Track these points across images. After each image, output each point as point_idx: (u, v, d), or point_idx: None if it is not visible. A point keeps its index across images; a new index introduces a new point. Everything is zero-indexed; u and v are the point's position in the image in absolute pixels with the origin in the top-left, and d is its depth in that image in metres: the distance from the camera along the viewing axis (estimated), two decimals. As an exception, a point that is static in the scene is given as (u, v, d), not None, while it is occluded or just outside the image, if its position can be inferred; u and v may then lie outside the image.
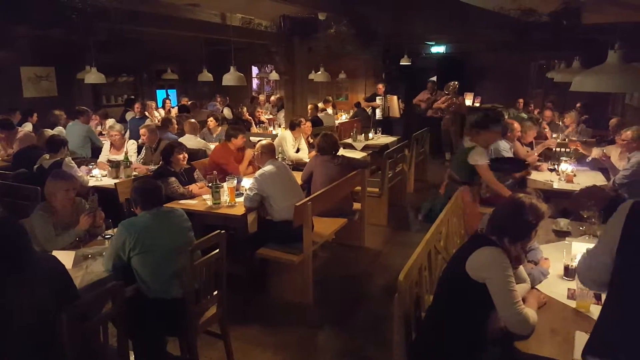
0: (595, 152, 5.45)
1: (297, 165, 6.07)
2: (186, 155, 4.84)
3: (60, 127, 7.34)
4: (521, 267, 2.44)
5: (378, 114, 10.34)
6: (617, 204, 4.35)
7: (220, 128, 7.74)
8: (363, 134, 8.28)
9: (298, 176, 4.98)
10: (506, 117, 7.70)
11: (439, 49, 11.32)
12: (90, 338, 2.28)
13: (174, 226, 3.07)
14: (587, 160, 5.60)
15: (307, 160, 5.79)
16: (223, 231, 3.08)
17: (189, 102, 10.68)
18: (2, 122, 6.68)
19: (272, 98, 12.74)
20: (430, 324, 2.46)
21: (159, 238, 2.92)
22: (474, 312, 2.24)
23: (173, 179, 4.57)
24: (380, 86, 10.49)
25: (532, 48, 9.45)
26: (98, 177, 5.40)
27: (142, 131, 6.02)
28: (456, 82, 9.82)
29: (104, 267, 2.95)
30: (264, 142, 4.60)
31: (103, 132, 8.03)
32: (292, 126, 6.69)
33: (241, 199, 4.34)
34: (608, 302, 1.77)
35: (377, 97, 10.41)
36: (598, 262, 1.79)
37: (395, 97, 10.38)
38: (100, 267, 2.96)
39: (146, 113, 8.77)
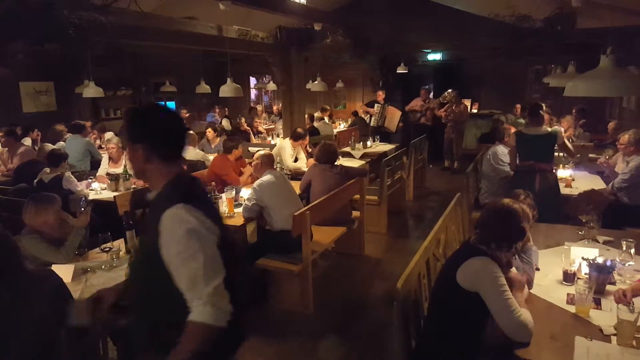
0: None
1: (296, 175, 6.08)
2: (185, 168, 4.84)
3: (62, 142, 7.37)
4: (514, 270, 2.44)
5: (372, 121, 10.34)
6: (616, 208, 4.38)
7: (218, 139, 7.77)
8: (361, 142, 8.29)
9: (296, 185, 4.99)
10: (504, 122, 7.74)
11: (435, 57, 11.37)
12: (90, 352, 2.28)
13: None
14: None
15: (306, 169, 5.81)
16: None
17: (187, 115, 10.72)
18: (8, 130, 6.83)
19: (275, 108, 12.79)
20: (428, 333, 2.45)
21: None
22: (470, 320, 2.23)
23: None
24: (380, 93, 10.49)
25: (528, 53, 9.50)
26: (97, 190, 5.41)
27: None
28: (451, 91, 9.80)
29: None
30: (262, 152, 4.61)
31: (102, 146, 8.05)
32: (296, 137, 6.63)
33: (240, 210, 4.35)
34: None
35: (376, 104, 10.41)
36: None
37: (398, 113, 10.28)
38: (100, 280, 2.96)
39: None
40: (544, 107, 4.78)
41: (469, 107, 11.38)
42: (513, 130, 5.65)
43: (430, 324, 2.46)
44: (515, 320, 2.07)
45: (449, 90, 9.83)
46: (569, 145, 4.86)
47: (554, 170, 4.83)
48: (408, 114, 10.63)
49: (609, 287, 2.57)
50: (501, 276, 2.15)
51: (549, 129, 4.68)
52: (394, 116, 10.26)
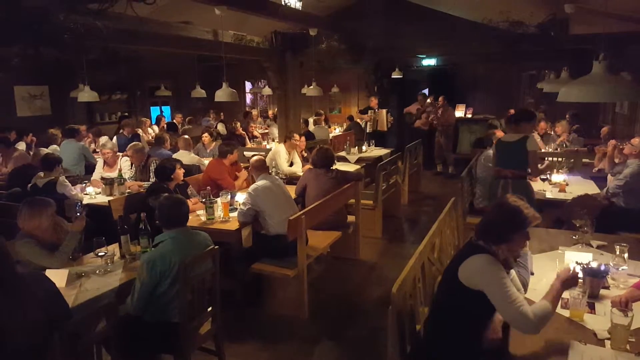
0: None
1: (291, 179, 6.09)
2: (183, 170, 4.85)
3: (55, 146, 7.34)
4: (513, 273, 2.45)
5: (368, 128, 10.43)
6: (610, 213, 4.41)
7: (214, 143, 7.78)
8: (357, 147, 8.31)
9: (292, 190, 4.99)
10: (497, 127, 7.78)
11: (429, 62, 11.43)
12: (83, 357, 2.27)
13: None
14: (594, 171, 5.70)
15: (301, 173, 5.81)
16: (217, 246, 3.08)
17: (187, 118, 10.72)
18: (1, 137, 6.74)
19: (270, 112, 12.81)
20: (426, 336, 2.46)
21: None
22: (470, 322, 2.24)
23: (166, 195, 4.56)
24: (373, 99, 10.57)
25: (521, 59, 9.57)
26: (92, 194, 5.39)
27: (128, 152, 5.97)
28: (428, 99, 10.03)
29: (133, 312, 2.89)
30: (254, 157, 4.62)
31: (97, 150, 8.03)
32: (285, 139, 6.73)
33: (235, 214, 4.35)
34: None
35: (370, 110, 10.50)
36: None
37: (384, 111, 10.43)
38: (94, 285, 2.95)
39: (139, 131, 8.79)
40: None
41: (463, 112, 11.45)
42: (498, 133, 5.72)
43: (429, 327, 2.46)
44: (518, 311, 2.08)
45: (424, 94, 10.02)
46: (535, 159, 4.57)
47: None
48: (405, 115, 10.73)
49: (603, 292, 2.59)
50: (501, 269, 2.18)
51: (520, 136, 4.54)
52: (381, 115, 10.39)
